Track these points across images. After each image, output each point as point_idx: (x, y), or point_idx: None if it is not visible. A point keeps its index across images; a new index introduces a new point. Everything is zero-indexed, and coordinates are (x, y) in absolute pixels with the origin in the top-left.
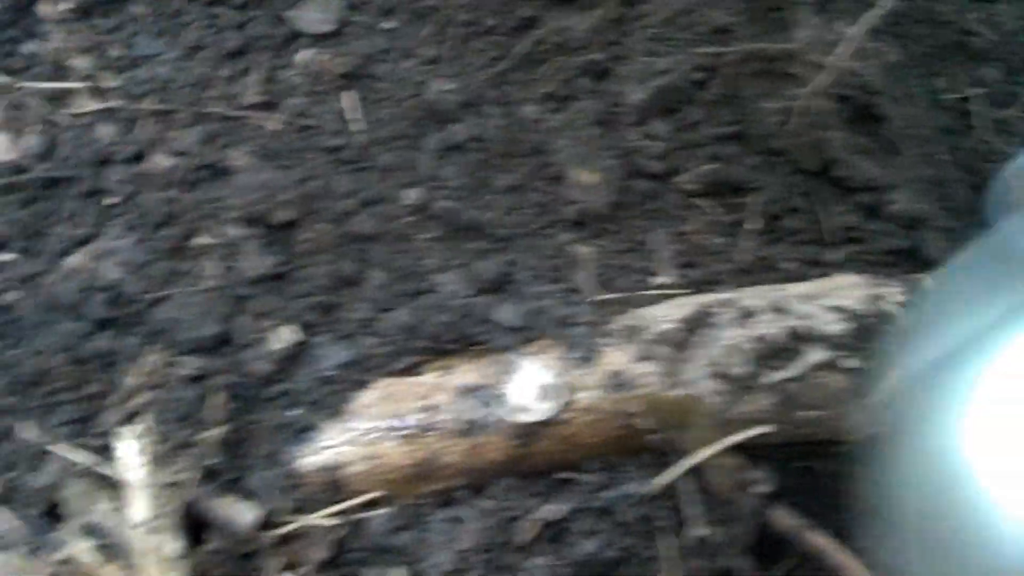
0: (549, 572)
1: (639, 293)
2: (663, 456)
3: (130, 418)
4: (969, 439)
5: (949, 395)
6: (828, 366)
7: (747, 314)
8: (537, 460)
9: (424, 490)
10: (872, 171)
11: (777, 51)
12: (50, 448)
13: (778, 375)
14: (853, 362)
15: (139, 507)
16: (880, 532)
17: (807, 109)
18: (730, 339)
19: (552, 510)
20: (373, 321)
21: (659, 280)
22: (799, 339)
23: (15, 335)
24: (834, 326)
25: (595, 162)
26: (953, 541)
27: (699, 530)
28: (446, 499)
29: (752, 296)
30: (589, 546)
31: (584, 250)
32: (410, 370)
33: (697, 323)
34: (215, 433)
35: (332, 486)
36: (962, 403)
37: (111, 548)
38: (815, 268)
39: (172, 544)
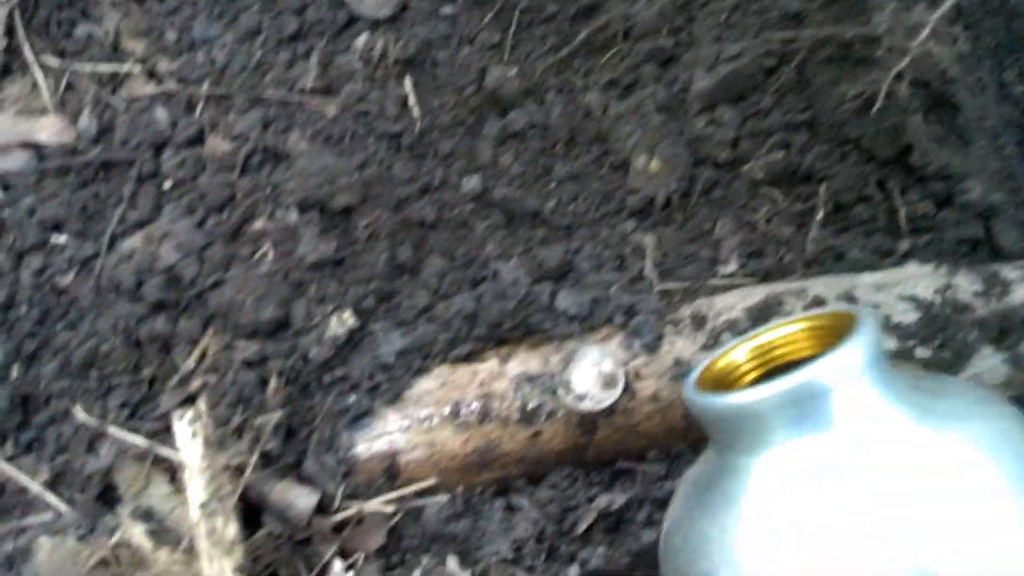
0: (606, 562)
1: (705, 282)
2: None
3: (187, 401)
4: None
5: None
6: (900, 355)
7: (817, 303)
8: (598, 449)
9: (481, 479)
10: (947, 159)
11: (853, 36)
12: (105, 431)
13: None
14: (926, 351)
15: (196, 490)
16: None
17: (888, 94)
18: None
19: (610, 500)
20: (432, 308)
21: (726, 269)
22: None
23: (70, 318)
24: (906, 316)
25: (660, 150)
26: None
27: None
28: (502, 487)
29: (822, 285)
30: (647, 536)
31: (648, 238)
32: (469, 357)
33: (766, 312)
34: (272, 417)
35: (388, 473)
36: None
37: (166, 532)
38: (886, 258)
39: (229, 528)
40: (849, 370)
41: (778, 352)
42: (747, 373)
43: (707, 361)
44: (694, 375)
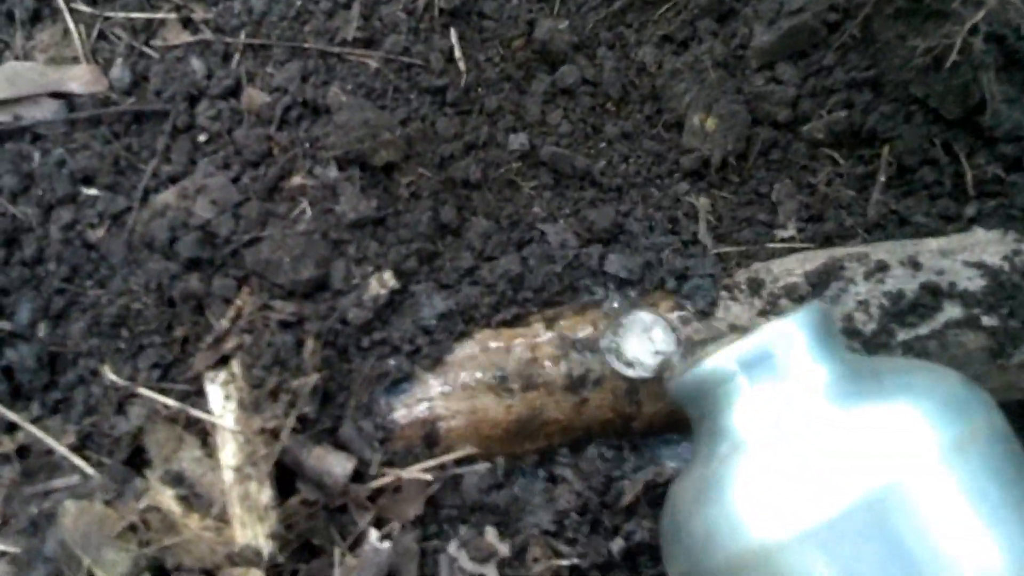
0: (651, 536)
1: (762, 246)
2: None
3: (221, 362)
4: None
5: None
6: (965, 323)
7: (881, 267)
8: (646, 420)
9: (524, 448)
10: (1019, 120)
11: None
12: (135, 392)
13: (912, 332)
14: (992, 320)
15: (229, 454)
16: None
17: (961, 50)
18: (862, 294)
19: (657, 472)
20: (476, 270)
21: (784, 233)
22: (935, 295)
23: (100, 274)
24: (972, 282)
25: (716, 109)
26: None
27: None
28: (545, 457)
29: (885, 251)
30: None
31: (703, 200)
32: (514, 322)
33: (826, 277)
34: (309, 381)
35: (428, 440)
36: None
37: (197, 497)
38: (952, 223)
39: (263, 493)
40: (788, 337)
41: None
42: None
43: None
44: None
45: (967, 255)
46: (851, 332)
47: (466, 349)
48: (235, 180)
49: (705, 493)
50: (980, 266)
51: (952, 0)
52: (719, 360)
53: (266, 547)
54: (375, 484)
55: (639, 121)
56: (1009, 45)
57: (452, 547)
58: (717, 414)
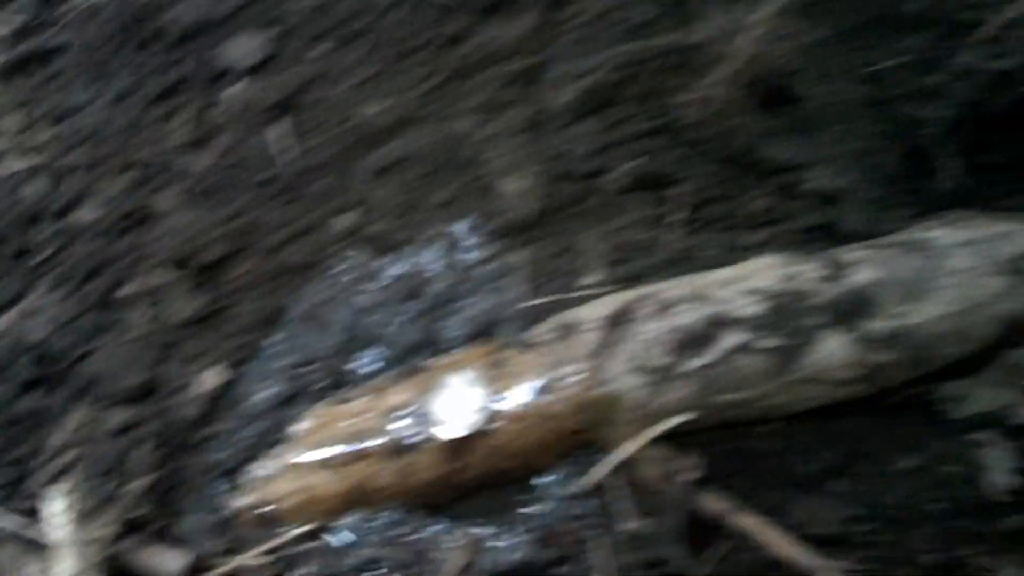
0: None
1: (568, 295)
2: (592, 455)
3: (58, 477)
4: None
5: None
6: (744, 349)
7: (666, 306)
8: (475, 476)
9: (358, 514)
10: (786, 152)
11: (688, 44)
12: None
13: (696, 362)
14: (770, 342)
15: (64, 566)
16: None
17: (713, 99)
18: (648, 332)
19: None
20: (304, 352)
21: (587, 280)
22: (716, 325)
23: None
24: (749, 308)
25: (523, 169)
26: None
27: (630, 524)
28: None
29: (674, 287)
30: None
31: (515, 258)
32: (342, 397)
33: (619, 320)
34: (141, 483)
35: (265, 523)
36: None
37: None
38: (736, 253)
39: None
40: None
41: None
42: None
43: None
44: None
45: (747, 283)
46: (644, 368)
47: (296, 428)
48: (68, 296)
49: None
50: (758, 292)
51: (709, 54)
52: None
53: None
54: (215, 573)
55: (457, 189)
56: (768, 84)
57: None
58: None
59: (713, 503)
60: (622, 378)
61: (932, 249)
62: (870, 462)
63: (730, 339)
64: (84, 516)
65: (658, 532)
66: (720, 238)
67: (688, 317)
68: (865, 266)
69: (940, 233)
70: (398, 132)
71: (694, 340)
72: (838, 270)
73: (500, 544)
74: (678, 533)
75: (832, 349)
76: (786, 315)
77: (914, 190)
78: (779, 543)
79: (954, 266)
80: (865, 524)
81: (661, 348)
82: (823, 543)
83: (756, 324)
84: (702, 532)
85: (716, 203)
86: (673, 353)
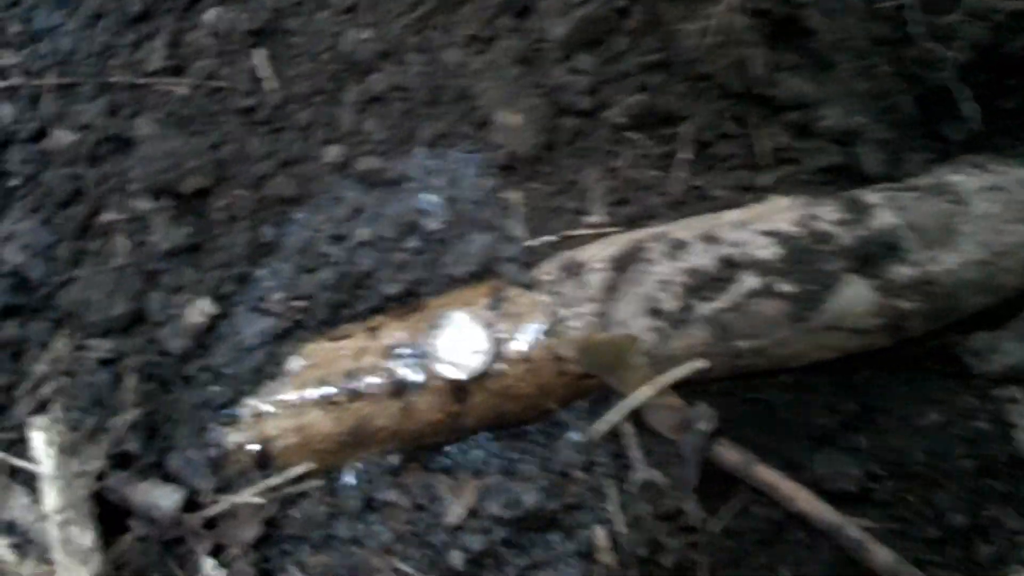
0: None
1: (572, 233)
2: (602, 401)
3: (41, 408)
4: None
5: None
6: (761, 293)
7: (677, 246)
8: (474, 416)
9: (357, 457)
10: (800, 88)
11: None
12: None
13: (710, 306)
14: (788, 286)
15: (51, 499)
16: None
17: (722, 28)
18: (659, 273)
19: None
20: (296, 285)
21: (591, 219)
22: (731, 267)
23: None
24: (765, 251)
25: (520, 103)
26: None
27: (642, 473)
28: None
29: (684, 227)
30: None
31: (515, 195)
32: (337, 334)
33: (628, 260)
34: (129, 416)
35: (260, 462)
36: None
37: (30, 544)
38: (748, 193)
39: (85, 536)
40: None
41: None
42: None
43: None
44: None
45: (762, 224)
46: (655, 312)
47: (290, 366)
48: (46, 223)
49: None
50: (774, 234)
51: None
52: None
53: None
54: (209, 512)
55: (450, 122)
56: (778, 14)
57: (293, 567)
58: None
59: (729, 455)
60: (632, 321)
61: (956, 194)
62: (891, 417)
63: (746, 282)
64: (69, 449)
65: (672, 483)
66: (729, 178)
67: (701, 259)
68: (887, 209)
69: (963, 178)
70: (385, 62)
71: (708, 283)
72: (859, 213)
73: (506, 490)
74: (693, 485)
75: (853, 295)
76: (805, 258)
77: (930, 134)
78: (800, 498)
79: (979, 212)
80: (887, 481)
81: (673, 290)
82: (843, 500)
83: (773, 267)
84: (719, 484)
85: (724, 141)
86: (686, 296)
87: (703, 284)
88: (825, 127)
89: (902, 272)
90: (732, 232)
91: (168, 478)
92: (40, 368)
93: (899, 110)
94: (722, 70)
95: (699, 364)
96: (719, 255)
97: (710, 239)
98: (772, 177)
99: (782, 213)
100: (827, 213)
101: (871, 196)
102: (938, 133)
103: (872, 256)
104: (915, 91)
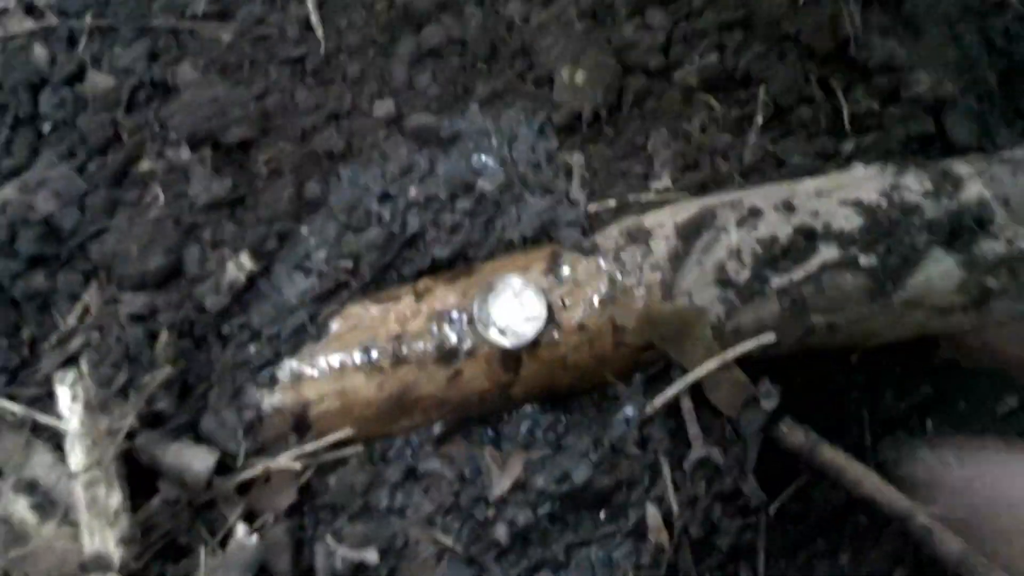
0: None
1: (637, 198)
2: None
3: (69, 362)
4: None
5: None
6: (840, 265)
7: (750, 214)
8: (524, 387)
9: (401, 426)
10: (891, 51)
11: None
12: None
13: (784, 278)
14: (869, 259)
15: (76, 457)
16: None
17: None
18: (730, 242)
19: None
20: (340, 244)
21: (659, 184)
22: (808, 238)
23: None
24: (846, 222)
25: (585, 60)
26: None
27: (700, 451)
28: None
29: (759, 195)
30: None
31: (576, 156)
32: (382, 296)
33: (697, 228)
34: (162, 374)
35: (297, 426)
36: None
37: (52, 505)
38: (830, 161)
39: (112, 497)
40: None
41: None
42: None
43: None
44: None
45: (843, 193)
46: (724, 282)
47: (332, 328)
48: (80, 169)
49: None
50: (856, 204)
51: None
52: None
53: (116, 553)
54: (243, 476)
55: (509, 79)
56: None
57: (329, 536)
58: None
59: (793, 435)
60: (699, 292)
61: None
62: (970, 402)
63: (824, 254)
64: (98, 406)
65: (730, 463)
66: (809, 144)
67: (776, 228)
68: (977, 182)
69: None
70: (442, 13)
71: (782, 253)
72: (948, 184)
73: (556, 464)
74: (752, 465)
75: (939, 272)
76: (888, 231)
77: (1016, 109)
78: (867, 482)
79: None
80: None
81: (744, 260)
82: (914, 486)
83: (854, 239)
84: (780, 465)
85: (806, 106)
86: (758, 266)
87: (777, 254)
88: (916, 93)
89: (990, 249)
90: (811, 201)
91: (200, 439)
92: (69, 321)
93: (985, 82)
94: (809, 29)
95: (767, 339)
96: (796, 224)
97: (787, 207)
98: (854, 144)
99: (866, 182)
100: (914, 183)
101: (961, 167)
102: (1020, 109)
103: (961, 230)
104: (1000, 65)
